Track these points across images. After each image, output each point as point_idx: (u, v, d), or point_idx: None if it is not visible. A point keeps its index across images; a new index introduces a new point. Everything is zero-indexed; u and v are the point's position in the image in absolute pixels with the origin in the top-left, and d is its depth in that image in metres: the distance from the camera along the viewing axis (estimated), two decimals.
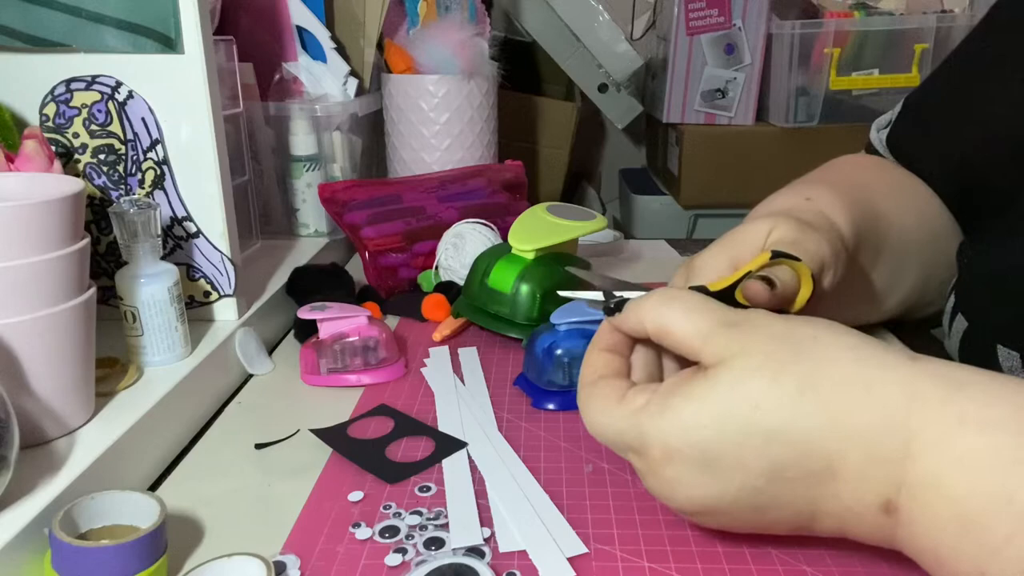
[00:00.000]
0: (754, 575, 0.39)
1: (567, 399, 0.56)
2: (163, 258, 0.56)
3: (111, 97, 0.58)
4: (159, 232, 0.55)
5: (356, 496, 0.46)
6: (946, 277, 0.61)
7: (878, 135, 0.68)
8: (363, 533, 0.42)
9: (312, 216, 0.91)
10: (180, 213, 0.61)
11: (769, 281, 0.43)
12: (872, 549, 0.37)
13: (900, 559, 0.35)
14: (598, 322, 0.56)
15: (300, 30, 0.90)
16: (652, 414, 0.37)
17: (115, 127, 0.59)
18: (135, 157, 0.59)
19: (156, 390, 0.53)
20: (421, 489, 0.47)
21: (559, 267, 0.68)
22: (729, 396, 0.35)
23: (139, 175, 0.60)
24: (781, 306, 0.45)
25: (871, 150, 0.69)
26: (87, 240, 0.47)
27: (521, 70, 1.43)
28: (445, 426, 0.54)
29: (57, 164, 0.53)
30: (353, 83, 0.92)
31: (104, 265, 0.62)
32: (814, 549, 0.41)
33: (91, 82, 0.58)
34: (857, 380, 0.34)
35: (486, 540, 0.42)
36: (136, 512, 0.40)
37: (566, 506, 0.45)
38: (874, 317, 0.62)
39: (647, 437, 0.37)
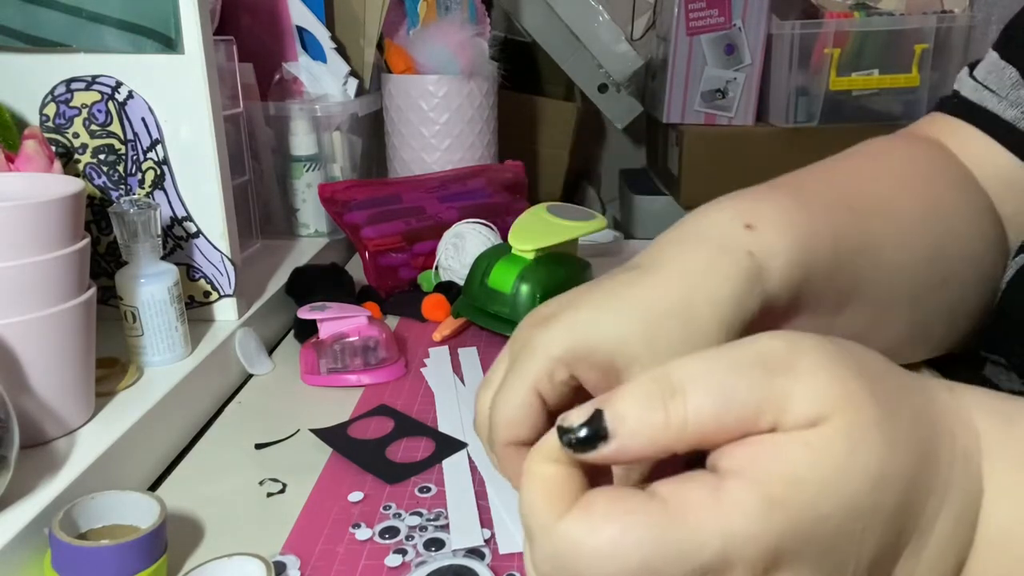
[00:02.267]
0: None
1: None
2: (163, 258, 0.56)
3: (111, 97, 0.58)
4: (159, 232, 0.55)
5: (356, 496, 0.46)
6: (970, 319, 0.50)
7: (969, 82, 0.54)
8: (363, 534, 0.42)
9: (312, 216, 0.91)
10: (180, 213, 0.61)
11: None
12: None
13: None
14: None
15: (300, 30, 0.90)
16: (741, 511, 0.23)
17: (115, 127, 0.59)
18: (135, 157, 0.59)
19: (156, 390, 0.53)
20: (421, 490, 0.47)
21: (559, 267, 0.68)
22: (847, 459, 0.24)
23: (139, 175, 0.60)
24: None
25: (958, 107, 0.54)
26: (87, 240, 0.47)
27: (521, 70, 1.43)
28: (445, 426, 0.54)
29: (57, 164, 0.53)
30: (353, 83, 0.92)
31: (104, 265, 0.62)
32: None
33: (91, 82, 0.58)
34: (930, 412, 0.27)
35: (486, 541, 0.42)
36: (136, 512, 0.40)
37: None
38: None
39: (739, 546, 0.23)
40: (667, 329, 0.35)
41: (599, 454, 0.24)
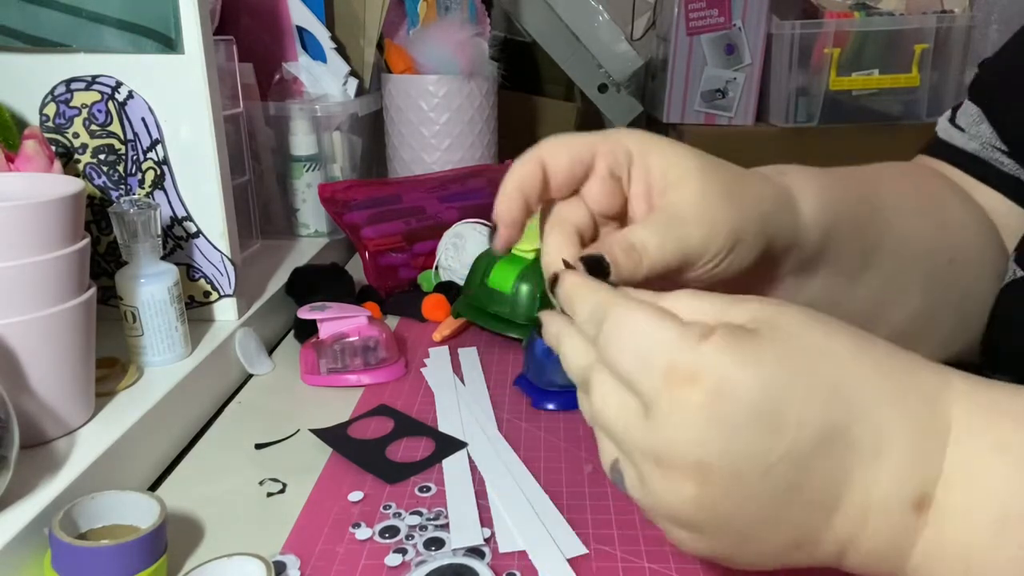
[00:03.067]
0: (754, 574, 0.39)
1: (567, 399, 0.56)
2: (163, 258, 0.56)
3: (111, 97, 0.58)
4: (159, 232, 0.55)
5: (356, 496, 0.46)
6: (976, 318, 0.52)
7: (943, 123, 0.59)
8: (363, 533, 0.42)
9: (312, 216, 0.91)
10: (180, 213, 0.61)
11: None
12: None
13: None
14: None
15: (300, 30, 0.90)
16: (721, 347, 0.29)
17: (115, 127, 0.59)
18: (135, 157, 0.59)
19: (156, 390, 0.53)
20: (421, 489, 0.47)
21: None
22: (802, 344, 0.30)
23: (139, 175, 0.60)
24: None
25: (935, 148, 0.59)
26: (87, 240, 0.47)
27: (521, 70, 1.43)
28: (445, 426, 0.54)
29: (57, 164, 0.53)
30: (353, 83, 0.92)
31: (104, 265, 0.62)
32: None
33: (91, 82, 0.58)
34: (902, 355, 0.31)
35: (486, 540, 0.42)
36: (136, 512, 0.40)
37: (566, 506, 0.45)
38: (879, 333, 0.54)
39: (705, 367, 0.29)
40: (719, 181, 0.39)
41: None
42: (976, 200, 0.55)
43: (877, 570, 0.31)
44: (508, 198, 0.40)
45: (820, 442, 0.29)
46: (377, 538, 0.42)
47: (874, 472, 0.29)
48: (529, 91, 1.49)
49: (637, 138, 0.39)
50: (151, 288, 0.54)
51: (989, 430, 0.29)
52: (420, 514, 0.44)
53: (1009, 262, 0.51)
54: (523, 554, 0.41)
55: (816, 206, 0.43)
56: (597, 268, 0.36)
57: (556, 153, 0.39)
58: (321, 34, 0.90)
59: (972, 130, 0.57)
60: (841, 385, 0.29)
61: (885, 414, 0.29)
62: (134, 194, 0.60)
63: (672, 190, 0.38)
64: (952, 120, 0.59)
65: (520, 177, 0.40)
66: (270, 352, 0.67)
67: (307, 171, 0.89)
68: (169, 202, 0.60)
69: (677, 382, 0.29)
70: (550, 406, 0.56)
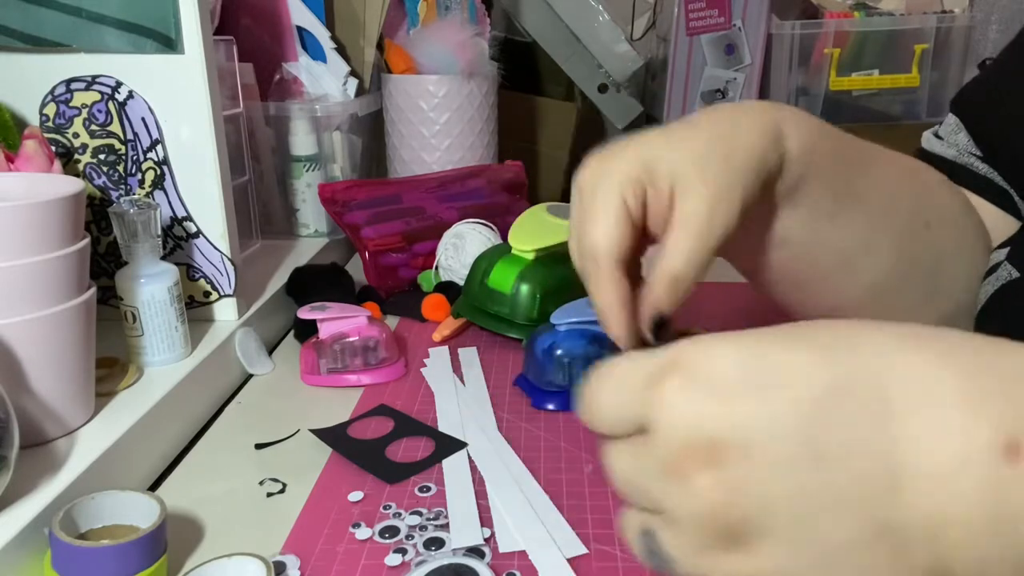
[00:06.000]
0: None
1: (567, 399, 0.56)
2: (163, 258, 0.56)
3: (111, 97, 0.58)
4: (159, 232, 0.55)
5: (356, 496, 0.46)
6: (943, 293, 0.55)
7: (927, 135, 0.63)
8: (363, 533, 0.42)
9: (312, 216, 0.91)
10: (180, 213, 0.61)
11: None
12: None
13: None
14: (598, 322, 0.56)
15: (300, 30, 0.90)
16: (691, 342, 0.29)
17: (115, 127, 0.59)
18: (135, 157, 0.59)
19: (156, 390, 0.53)
20: (421, 489, 0.47)
21: (559, 267, 0.68)
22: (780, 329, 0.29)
23: (139, 175, 0.60)
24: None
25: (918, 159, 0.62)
26: (87, 240, 0.47)
27: (521, 70, 1.43)
28: (445, 426, 0.54)
29: (57, 164, 0.53)
30: (353, 83, 0.92)
31: (104, 265, 0.62)
32: None
33: (91, 82, 0.58)
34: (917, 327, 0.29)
35: (486, 540, 0.42)
36: (136, 512, 0.40)
37: (566, 506, 0.45)
38: (846, 296, 0.55)
39: (677, 357, 0.29)
40: (711, 161, 0.43)
41: None
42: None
43: (1000, 562, 0.25)
44: (619, 324, 0.44)
45: (826, 396, 0.27)
46: (377, 538, 0.42)
47: (921, 425, 0.26)
48: (529, 91, 1.49)
49: (643, 163, 0.43)
50: (151, 288, 0.54)
51: None
52: (420, 514, 0.44)
53: (1002, 263, 0.52)
54: (523, 554, 0.41)
55: (802, 140, 0.46)
56: (661, 324, 0.43)
57: (612, 239, 0.43)
58: (321, 34, 0.90)
59: (950, 139, 0.60)
60: (836, 340, 0.28)
61: (911, 360, 0.27)
62: (134, 194, 0.60)
63: (681, 200, 0.42)
64: (935, 134, 0.62)
65: (618, 295, 0.44)
66: (270, 352, 0.67)
67: (307, 171, 0.89)
68: (169, 202, 0.60)
69: (655, 382, 0.28)
70: (550, 406, 0.56)
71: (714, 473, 0.27)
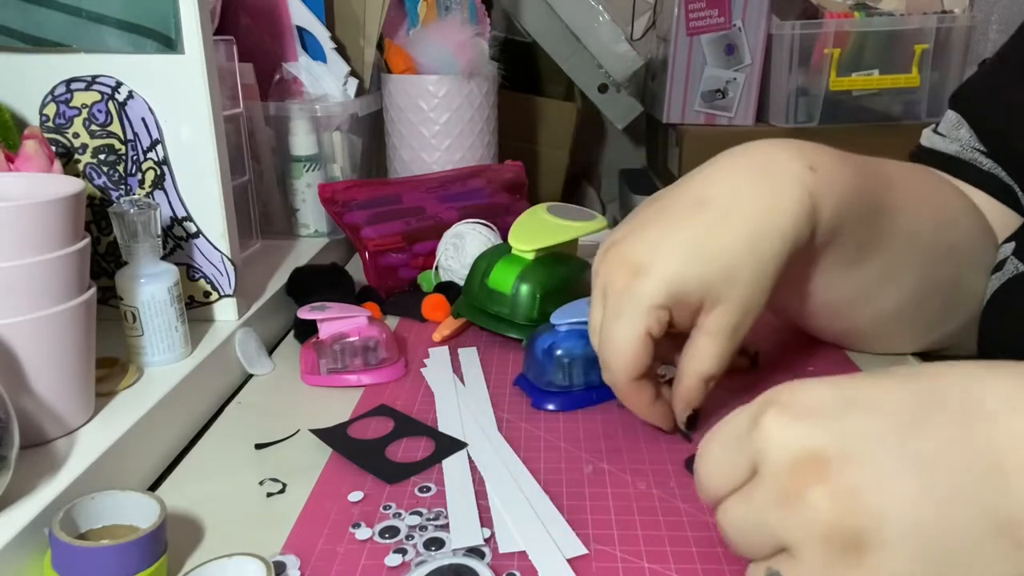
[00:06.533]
0: None
1: (567, 399, 0.56)
2: (163, 258, 0.56)
3: (111, 97, 0.58)
4: (159, 232, 0.55)
5: (356, 496, 0.46)
6: (962, 306, 0.56)
7: (926, 133, 0.63)
8: (363, 533, 0.42)
9: (312, 216, 0.91)
10: (180, 213, 0.61)
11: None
12: None
13: None
14: None
15: (300, 30, 0.90)
16: (781, 388, 0.32)
17: (115, 127, 0.59)
18: (135, 157, 0.59)
19: (156, 390, 0.53)
20: (421, 489, 0.47)
21: (559, 267, 0.68)
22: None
23: (139, 175, 0.60)
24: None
25: (919, 155, 0.63)
26: (87, 240, 0.47)
27: (521, 70, 1.43)
28: (445, 426, 0.54)
29: (57, 164, 0.53)
30: (353, 83, 0.92)
31: (104, 265, 0.62)
32: None
33: (91, 82, 0.58)
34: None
35: (486, 540, 0.42)
36: (136, 512, 0.40)
37: (566, 506, 0.45)
38: (862, 321, 0.57)
39: (772, 397, 0.31)
40: (742, 269, 0.44)
41: None
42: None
43: None
44: (656, 418, 0.49)
45: (919, 406, 0.28)
46: (377, 538, 0.42)
47: (1019, 422, 0.27)
48: (529, 91, 1.49)
49: (670, 292, 0.44)
50: (151, 288, 0.54)
51: None
52: (420, 514, 0.44)
53: (1008, 258, 0.52)
54: (523, 554, 0.41)
55: (834, 206, 0.47)
56: (694, 416, 0.47)
57: (633, 367, 0.46)
58: (321, 34, 0.90)
59: (952, 134, 0.61)
60: (918, 371, 0.30)
61: (996, 374, 0.28)
62: (134, 194, 0.60)
63: (711, 310, 0.44)
64: (935, 130, 0.63)
65: (644, 401, 0.48)
66: (270, 352, 0.67)
67: (307, 171, 0.89)
68: (169, 202, 0.60)
69: (755, 423, 0.30)
70: (550, 406, 0.56)
71: (825, 486, 0.28)
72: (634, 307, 0.44)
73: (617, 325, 0.45)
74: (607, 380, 0.48)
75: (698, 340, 0.46)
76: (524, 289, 0.65)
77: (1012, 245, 0.53)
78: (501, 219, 0.79)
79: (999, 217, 0.58)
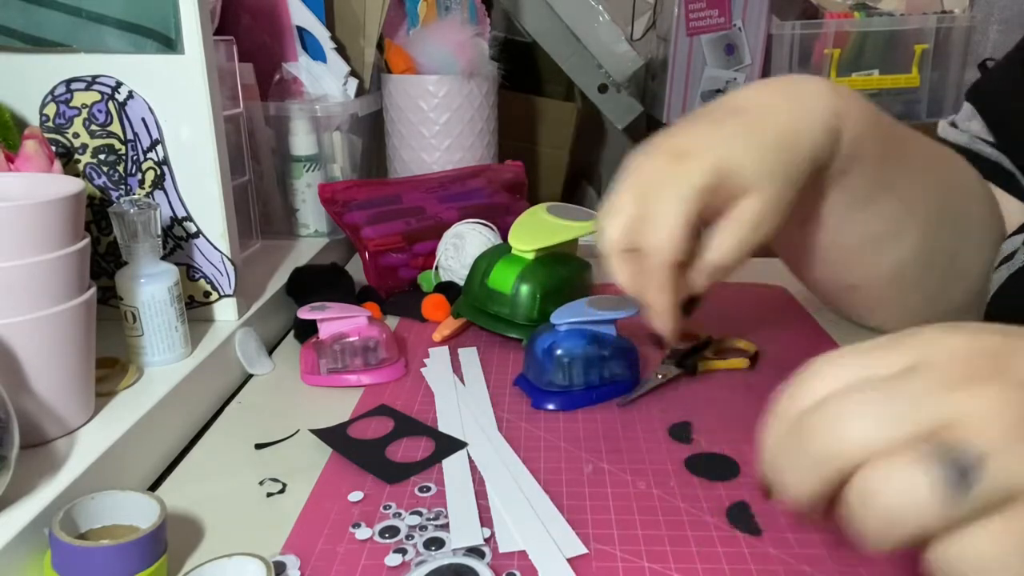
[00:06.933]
0: (753, 575, 0.39)
1: (567, 399, 0.56)
2: (163, 258, 0.56)
3: (111, 97, 0.58)
4: (159, 232, 0.55)
5: (356, 496, 0.46)
6: (954, 283, 0.57)
7: (943, 124, 0.66)
8: (363, 533, 0.42)
9: (312, 216, 0.91)
10: (180, 213, 0.61)
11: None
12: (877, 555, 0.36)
13: (905, 566, 0.35)
14: (598, 322, 0.57)
15: (300, 30, 0.90)
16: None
17: (115, 127, 0.59)
18: (135, 157, 0.59)
19: (156, 390, 0.53)
20: (421, 489, 0.47)
21: (559, 267, 0.68)
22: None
23: (139, 175, 0.60)
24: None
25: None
26: (87, 240, 0.47)
27: (521, 70, 1.43)
28: (445, 426, 0.54)
29: (57, 164, 0.53)
30: (353, 83, 0.92)
31: (104, 265, 0.62)
32: (814, 549, 0.41)
33: (91, 82, 0.58)
34: None
35: (486, 540, 0.42)
36: (136, 512, 0.40)
37: (566, 506, 0.45)
38: (861, 277, 0.58)
39: (905, 342, 0.29)
40: (777, 164, 0.46)
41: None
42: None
43: None
44: (670, 324, 0.49)
45: None
46: (377, 538, 0.42)
47: None
48: (529, 91, 1.49)
49: (720, 174, 0.45)
50: (151, 288, 0.54)
51: None
52: (420, 514, 0.44)
53: (1019, 249, 0.54)
54: (523, 554, 0.41)
55: (854, 131, 0.49)
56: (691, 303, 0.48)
57: (677, 248, 0.46)
58: (321, 34, 0.90)
59: (963, 125, 0.64)
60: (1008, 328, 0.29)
61: None
62: (134, 194, 0.60)
63: (743, 199, 0.45)
64: (951, 123, 0.65)
65: (673, 299, 0.48)
66: (270, 352, 0.67)
67: (307, 171, 0.89)
68: (169, 202, 0.60)
69: (902, 371, 0.28)
70: (550, 406, 0.56)
71: (995, 389, 0.26)
72: (682, 188, 0.45)
73: (661, 204, 0.45)
74: (614, 264, 0.48)
75: (721, 228, 0.47)
76: (524, 289, 0.65)
77: (1022, 236, 0.54)
78: (501, 219, 0.79)
79: (1004, 204, 0.60)
